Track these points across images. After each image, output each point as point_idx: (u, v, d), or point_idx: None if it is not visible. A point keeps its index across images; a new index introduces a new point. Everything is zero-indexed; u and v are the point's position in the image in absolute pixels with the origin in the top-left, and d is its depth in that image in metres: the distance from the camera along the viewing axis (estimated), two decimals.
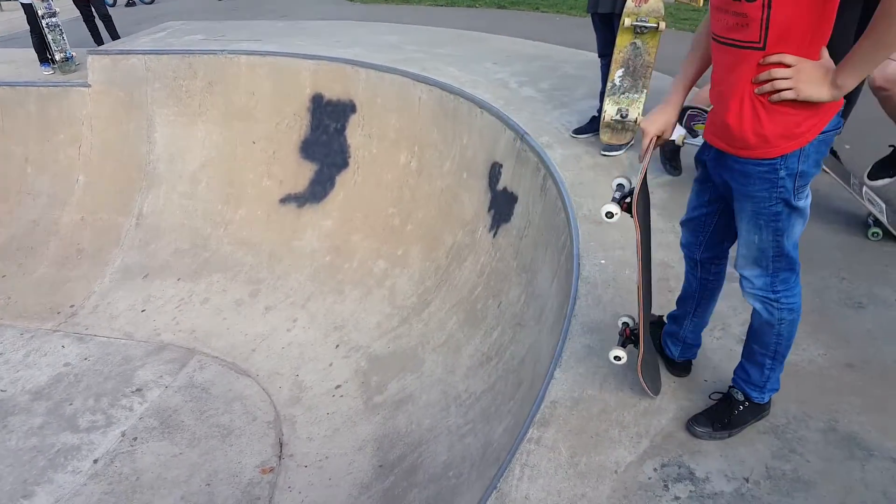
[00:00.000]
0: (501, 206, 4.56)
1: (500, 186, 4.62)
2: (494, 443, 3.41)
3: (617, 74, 4.09)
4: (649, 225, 2.40)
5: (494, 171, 4.72)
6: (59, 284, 6.01)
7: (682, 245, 2.40)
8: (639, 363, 2.42)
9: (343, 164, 5.80)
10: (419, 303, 4.91)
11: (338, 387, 4.74)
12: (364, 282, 5.33)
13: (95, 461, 4.32)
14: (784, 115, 1.79)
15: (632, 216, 2.11)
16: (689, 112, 3.71)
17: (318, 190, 5.84)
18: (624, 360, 2.47)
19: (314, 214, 5.81)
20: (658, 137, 2.22)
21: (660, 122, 2.20)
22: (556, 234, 3.77)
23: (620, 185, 2.17)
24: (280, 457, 4.34)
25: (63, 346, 5.38)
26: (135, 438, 4.50)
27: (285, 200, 5.96)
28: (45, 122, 6.78)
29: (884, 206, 3.38)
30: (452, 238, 4.94)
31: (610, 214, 2.12)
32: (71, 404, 4.79)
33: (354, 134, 5.80)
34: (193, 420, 4.66)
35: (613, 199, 2.13)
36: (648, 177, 2.26)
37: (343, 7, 11.49)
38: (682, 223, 2.38)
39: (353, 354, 4.91)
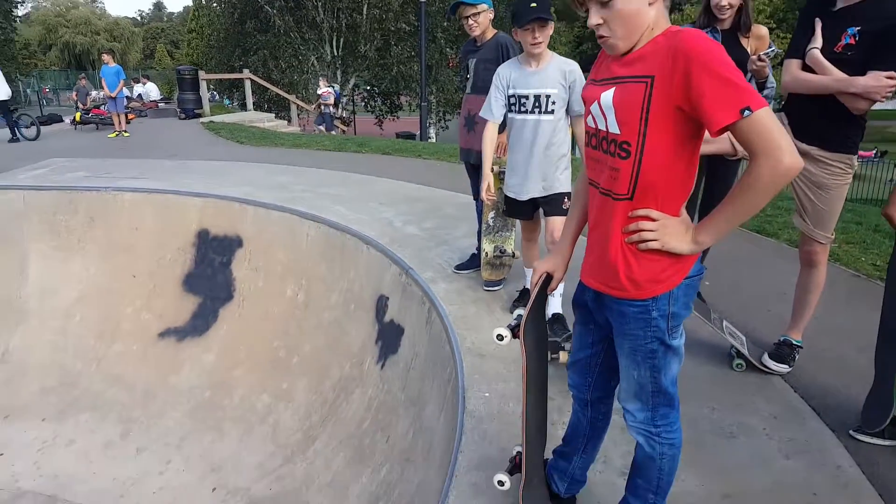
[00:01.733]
0: (388, 337, 4.43)
1: (386, 319, 4.52)
2: None
3: (490, 216, 4.24)
4: (543, 357, 2.36)
5: (381, 304, 4.63)
6: None
7: (571, 386, 2.36)
8: (520, 490, 2.30)
9: (227, 297, 5.50)
10: (304, 439, 4.54)
11: None
12: (245, 418, 4.90)
13: None
14: (651, 261, 1.85)
15: (521, 343, 2.08)
16: None
17: (200, 323, 5.47)
18: (507, 486, 2.35)
19: (195, 348, 5.39)
20: (548, 277, 2.24)
21: (549, 262, 2.23)
22: (441, 367, 3.67)
23: (519, 315, 2.16)
24: None
25: None
26: None
27: (164, 334, 5.51)
28: None
29: (744, 338, 3.56)
30: (340, 370, 4.70)
31: (500, 337, 2.11)
32: None
33: (241, 267, 5.57)
34: None
35: (508, 326, 2.12)
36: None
37: (233, 149, 11.49)
38: (569, 366, 2.36)
39: (231, 499, 4.40)
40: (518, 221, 4.01)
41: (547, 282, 2.25)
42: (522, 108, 3.51)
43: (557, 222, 3.53)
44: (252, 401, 5.01)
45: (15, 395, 5.30)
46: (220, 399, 5.13)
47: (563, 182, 3.59)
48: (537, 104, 3.48)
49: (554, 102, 3.44)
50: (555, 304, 3.68)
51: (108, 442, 4.96)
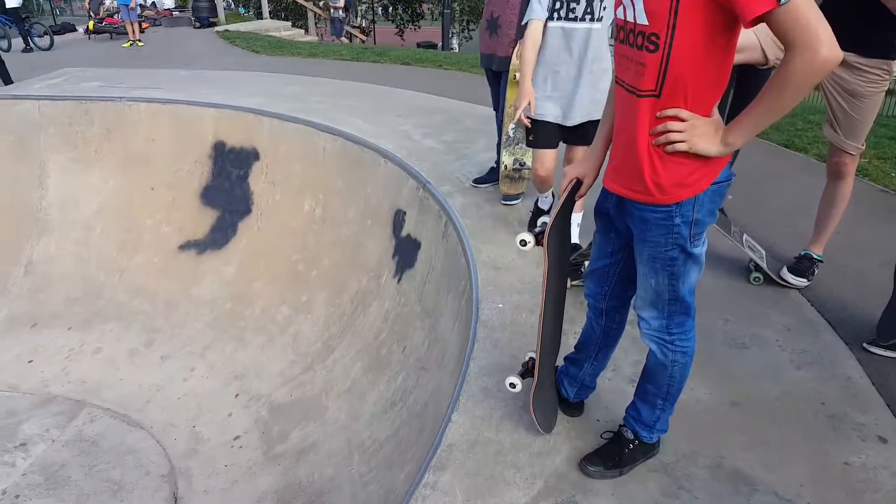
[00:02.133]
0: (405, 252, 4.48)
1: (403, 233, 4.55)
2: (396, 490, 3.24)
3: (510, 127, 4.15)
4: (564, 266, 2.37)
5: (398, 219, 4.65)
6: None
7: (587, 295, 2.38)
8: (531, 393, 2.36)
9: (246, 210, 5.56)
10: (323, 349, 4.70)
11: (237, 437, 4.42)
12: (266, 329, 5.06)
13: None
14: (678, 164, 1.82)
15: (544, 250, 2.09)
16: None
17: (220, 237, 5.56)
18: (518, 389, 2.43)
19: (215, 261, 5.51)
20: (579, 183, 2.21)
21: (580, 167, 2.20)
22: (456, 280, 3.72)
23: (544, 223, 2.16)
24: None
25: None
26: (17, 496, 4.01)
27: (184, 247, 5.63)
28: None
29: (763, 252, 3.54)
30: (357, 284, 4.79)
31: (524, 242, 2.11)
32: None
33: (258, 181, 5.60)
34: (82, 475, 4.21)
35: (532, 232, 2.12)
36: None
37: (249, 59, 11.31)
38: (586, 275, 2.36)
39: (254, 404, 4.61)
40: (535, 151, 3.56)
41: (576, 188, 2.22)
42: (571, 15, 3.11)
43: (581, 151, 3.41)
44: (272, 312, 5.15)
45: (41, 305, 5.51)
46: (241, 310, 5.28)
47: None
48: (589, 9, 3.09)
49: (605, 8, 3.08)
50: (574, 234, 3.53)
51: (133, 350, 5.18)
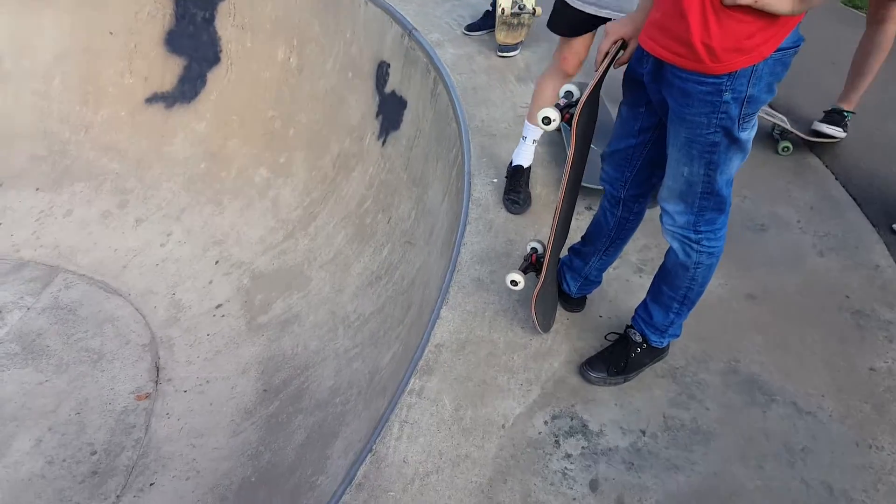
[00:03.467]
0: (390, 111, 3.90)
1: (388, 89, 3.93)
2: (382, 370, 2.99)
3: None
4: (588, 144, 1.90)
5: (382, 72, 4.00)
6: None
7: (603, 180, 1.91)
8: (535, 293, 1.99)
9: (214, 59, 4.84)
10: (305, 216, 4.27)
11: (219, 306, 4.13)
12: (244, 192, 4.59)
13: None
14: (737, 22, 1.29)
15: (570, 127, 1.62)
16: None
17: (188, 88, 4.89)
18: (520, 287, 2.04)
19: (185, 116, 4.89)
20: (622, 45, 1.67)
21: (627, 26, 1.66)
22: (447, 147, 3.20)
23: (569, 93, 1.65)
24: (157, 382, 3.76)
25: None
26: None
27: (152, 100, 4.97)
28: None
29: (785, 118, 3.03)
30: (339, 145, 4.25)
31: (547, 120, 1.62)
32: None
33: (225, 24, 4.81)
34: (60, 344, 3.95)
35: (556, 106, 1.62)
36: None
37: None
38: (605, 156, 1.88)
39: (235, 271, 4.28)
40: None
41: (618, 52, 1.70)
42: None
43: None
44: (250, 174, 4.66)
45: (4, 164, 4.97)
46: (216, 171, 4.77)
47: None
48: None
49: None
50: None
51: (106, 212, 4.74)
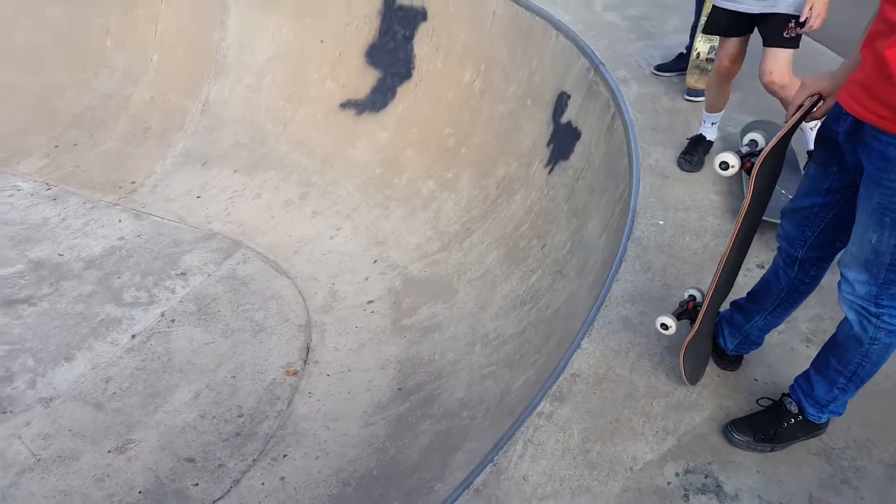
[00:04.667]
0: (562, 141, 4.01)
1: (564, 119, 4.05)
2: (513, 393, 3.07)
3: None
4: (768, 196, 1.88)
5: (561, 102, 4.13)
6: (124, 160, 5.84)
7: (781, 237, 1.87)
8: (686, 341, 1.97)
9: (407, 74, 5.28)
10: (462, 231, 4.50)
11: (370, 302, 4.46)
12: (411, 200, 4.93)
13: (133, 336, 4.22)
14: None
15: (749, 176, 1.63)
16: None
17: (379, 99, 5.37)
18: (671, 332, 2.03)
19: (371, 124, 5.37)
20: (816, 102, 1.68)
21: (825, 81, 1.66)
22: (614, 182, 3.25)
23: (753, 142, 1.68)
24: (305, 361, 4.14)
25: (120, 221, 5.25)
26: (172, 320, 4.37)
27: (345, 106, 5.52)
28: None
29: None
30: (506, 168, 4.44)
31: (724, 165, 1.66)
32: (119, 278, 4.68)
33: (422, 44, 5.23)
34: (230, 311, 4.49)
35: (737, 152, 1.66)
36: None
37: None
38: (785, 212, 1.84)
39: (390, 272, 4.60)
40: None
41: (812, 106, 1.69)
42: None
43: (778, 57, 2.66)
44: (418, 185, 5.00)
45: (212, 146, 5.76)
46: (389, 177, 5.17)
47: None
48: None
49: None
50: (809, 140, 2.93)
51: (288, 201, 5.31)
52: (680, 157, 3.27)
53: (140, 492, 3.29)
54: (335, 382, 3.97)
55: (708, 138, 3.26)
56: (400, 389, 3.80)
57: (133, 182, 5.63)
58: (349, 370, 4.03)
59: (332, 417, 3.75)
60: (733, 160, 1.60)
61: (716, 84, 3.04)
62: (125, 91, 6.26)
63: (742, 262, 2.08)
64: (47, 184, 5.63)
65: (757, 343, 2.12)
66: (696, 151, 3.23)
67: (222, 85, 6.01)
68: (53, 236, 5.06)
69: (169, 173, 5.69)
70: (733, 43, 2.85)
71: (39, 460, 3.41)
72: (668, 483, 1.85)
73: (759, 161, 1.58)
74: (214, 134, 5.85)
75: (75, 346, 4.12)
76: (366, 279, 4.64)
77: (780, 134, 1.63)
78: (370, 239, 4.91)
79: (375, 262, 4.74)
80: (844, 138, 1.53)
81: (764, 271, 2.15)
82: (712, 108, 3.16)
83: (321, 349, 4.21)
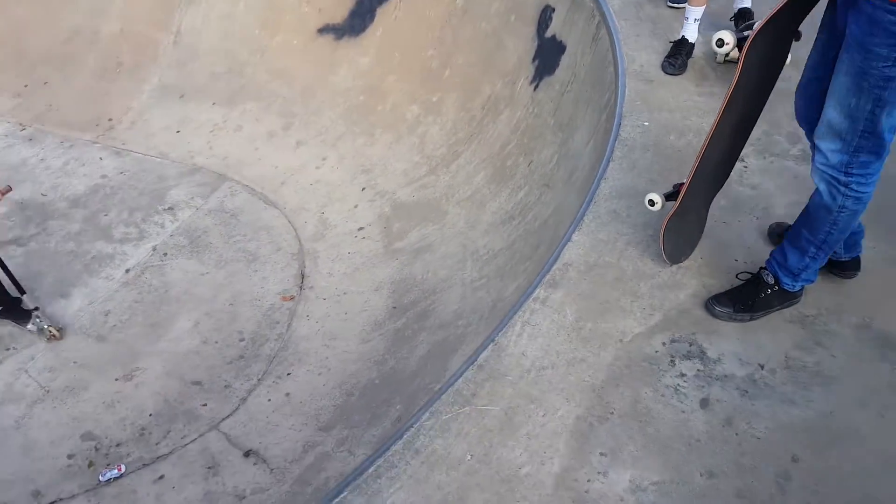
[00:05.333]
0: (547, 56, 4.08)
1: (548, 34, 4.11)
2: (505, 300, 3.25)
3: None
4: (763, 87, 1.93)
5: (545, 16, 4.18)
6: (99, 97, 5.77)
7: (798, 117, 1.97)
8: (665, 219, 2.13)
9: None
10: (448, 154, 4.60)
11: (360, 228, 4.58)
12: (395, 127, 4.99)
13: (127, 271, 4.31)
14: None
15: (741, 53, 1.70)
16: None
17: (357, 23, 5.34)
18: (657, 208, 2.20)
19: (351, 49, 5.37)
20: None
21: None
22: (600, 91, 3.36)
23: (720, 40, 1.74)
24: (301, 287, 4.28)
25: (101, 158, 5.25)
26: (165, 254, 4.45)
27: (323, 31, 5.48)
28: None
29: None
30: (491, 88, 4.51)
31: (721, 42, 1.74)
32: (106, 215, 4.74)
33: None
34: (221, 243, 4.58)
35: (733, 31, 1.71)
36: None
37: None
38: (798, 89, 1.94)
39: (378, 199, 4.70)
40: None
41: None
42: None
43: None
44: (402, 110, 5.05)
45: (189, 77, 5.72)
46: (373, 104, 5.21)
47: None
48: None
49: None
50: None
51: (272, 132, 5.34)
52: (664, 61, 3.42)
53: (151, 414, 3.45)
54: (332, 305, 4.13)
55: (690, 40, 3.40)
56: (395, 308, 3.97)
57: (110, 119, 5.60)
58: (344, 293, 4.18)
59: (332, 336, 3.93)
60: (729, 37, 1.68)
61: None
62: (92, 24, 6.13)
63: (738, 150, 2.21)
64: (21, 124, 5.57)
65: (859, 232, 2.14)
66: (679, 54, 3.38)
67: (194, 14, 5.92)
68: (34, 177, 5.06)
69: (146, 108, 5.66)
70: None
71: (48, 391, 3.54)
72: (656, 351, 2.04)
73: (751, 35, 1.66)
74: (189, 66, 5.80)
75: (70, 282, 4.20)
76: (355, 207, 4.75)
77: (778, 5, 1.68)
78: (357, 167, 4.99)
79: (364, 189, 4.84)
80: (842, 2, 1.63)
81: None
82: (695, 1, 3.29)
83: (315, 275, 4.35)
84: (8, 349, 3.76)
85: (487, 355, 2.06)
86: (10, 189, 2.91)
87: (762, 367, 1.97)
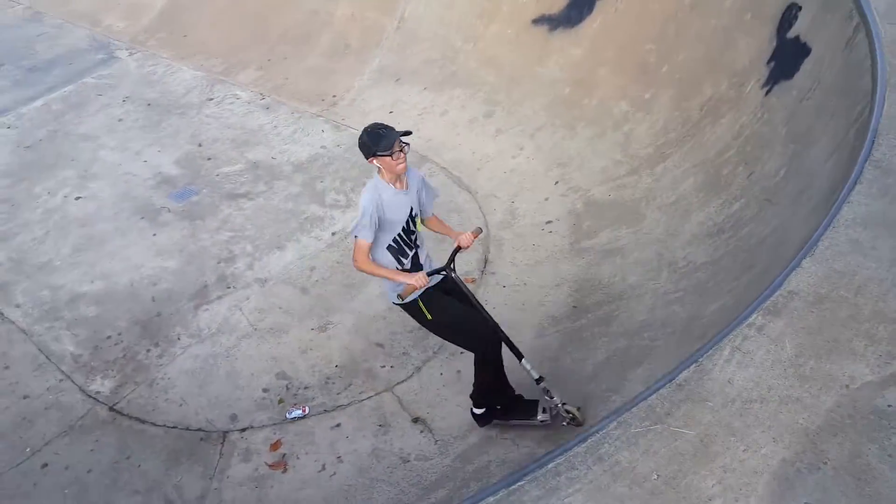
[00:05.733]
0: (786, 58, 3.69)
1: (791, 34, 3.71)
2: (704, 318, 3.01)
3: None
4: None
5: (788, 15, 3.78)
6: (327, 74, 6.30)
7: None
8: None
9: None
10: (655, 154, 4.37)
11: (549, 222, 4.53)
12: (600, 121, 4.85)
13: (333, 234, 4.67)
14: None
15: None
16: None
17: (574, 14, 5.25)
18: None
19: (564, 40, 5.29)
20: None
21: None
22: (850, 102, 2.96)
23: None
24: (483, 272, 4.34)
25: (322, 131, 5.73)
26: (345, 237, 4.73)
27: (538, 21, 5.47)
28: None
29: None
30: (714, 89, 4.19)
31: None
32: (322, 182, 5.16)
33: None
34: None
35: None
36: None
37: None
38: None
39: (571, 194, 4.61)
40: None
41: None
42: None
43: None
44: (610, 105, 4.89)
45: (405, 62, 6.02)
46: (578, 98, 5.12)
47: None
48: None
49: None
50: None
51: (473, 119, 5.46)
52: None
53: (336, 365, 3.72)
54: (510, 294, 4.13)
55: None
56: (575, 307, 3.88)
57: (334, 96, 6.09)
58: (525, 284, 4.17)
59: (507, 325, 3.91)
60: None
61: None
62: (329, 7, 6.68)
63: None
64: (261, 94, 6.26)
65: None
66: None
67: (418, 1, 6.20)
68: (267, 141, 5.68)
69: (365, 88, 6.07)
70: None
71: (256, 329, 3.97)
72: (889, 406, 1.76)
73: None
74: (408, 50, 6.10)
75: (285, 237, 4.66)
76: (546, 199, 4.70)
77: None
78: (552, 160, 4.93)
79: (557, 183, 4.77)
80: None
81: None
82: None
83: (498, 262, 4.38)
84: (229, 287, 4.25)
85: (688, 375, 1.92)
86: (480, 231, 3.16)
87: None
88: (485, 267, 4.36)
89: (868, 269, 2.14)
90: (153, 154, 5.55)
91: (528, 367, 2.87)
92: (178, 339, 3.94)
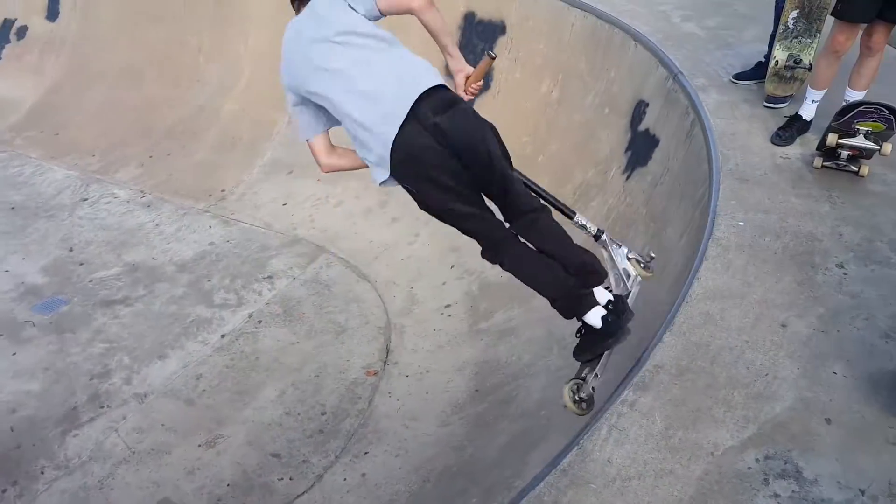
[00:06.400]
0: (640, 148, 4.17)
1: (641, 127, 4.22)
2: (594, 393, 3.23)
3: (792, 15, 3.57)
4: None
5: (638, 111, 4.30)
6: (214, 169, 6.30)
7: None
8: None
9: (485, 86, 5.55)
10: None
11: (447, 306, 4.71)
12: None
13: (223, 336, 4.56)
14: None
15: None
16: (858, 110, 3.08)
17: None
18: None
19: None
20: None
21: None
22: (694, 187, 3.39)
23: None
24: (385, 363, 4.40)
25: (210, 227, 5.68)
26: (259, 321, 4.71)
27: None
28: (221, 15, 6.99)
29: None
30: (583, 175, 4.63)
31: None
32: (209, 280, 5.08)
33: (500, 57, 5.50)
34: (313, 313, 4.79)
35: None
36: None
37: None
38: None
39: (467, 277, 4.84)
40: (822, 31, 3.48)
41: None
42: None
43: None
44: None
45: (297, 155, 6.14)
46: None
47: None
48: None
49: None
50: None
51: (369, 209, 5.65)
52: (774, 133, 3.55)
53: (228, 484, 3.54)
54: (414, 383, 4.22)
55: (805, 118, 3.50)
56: (477, 391, 4.02)
57: (223, 190, 6.10)
58: (427, 371, 4.27)
59: (412, 417, 3.99)
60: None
61: (827, 61, 3.37)
62: (216, 103, 6.78)
63: None
64: (142, 191, 6.16)
65: None
66: (790, 127, 3.51)
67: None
68: (148, 241, 5.54)
69: (256, 182, 6.14)
70: (860, 26, 3.25)
71: (134, 453, 3.71)
72: (749, 468, 1.99)
73: None
74: (300, 144, 6.21)
75: (168, 344, 4.49)
76: (443, 284, 4.90)
77: None
78: (447, 245, 5.16)
79: (452, 267, 5.00)
80: None
81: None
82: (818, 83, 3.43)
83: (400, 350, 4.47)
84: (102, 407, 3.97)
85: (571, 460, 2.07)
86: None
87: (863, 493, 1.88)
88: (387, 357, 4.43)
89: (720, 339, 2.43)
90: (16, 262, 5.21)
91: (584, 220, 2.69)
92: (42, 472, 3.56)
